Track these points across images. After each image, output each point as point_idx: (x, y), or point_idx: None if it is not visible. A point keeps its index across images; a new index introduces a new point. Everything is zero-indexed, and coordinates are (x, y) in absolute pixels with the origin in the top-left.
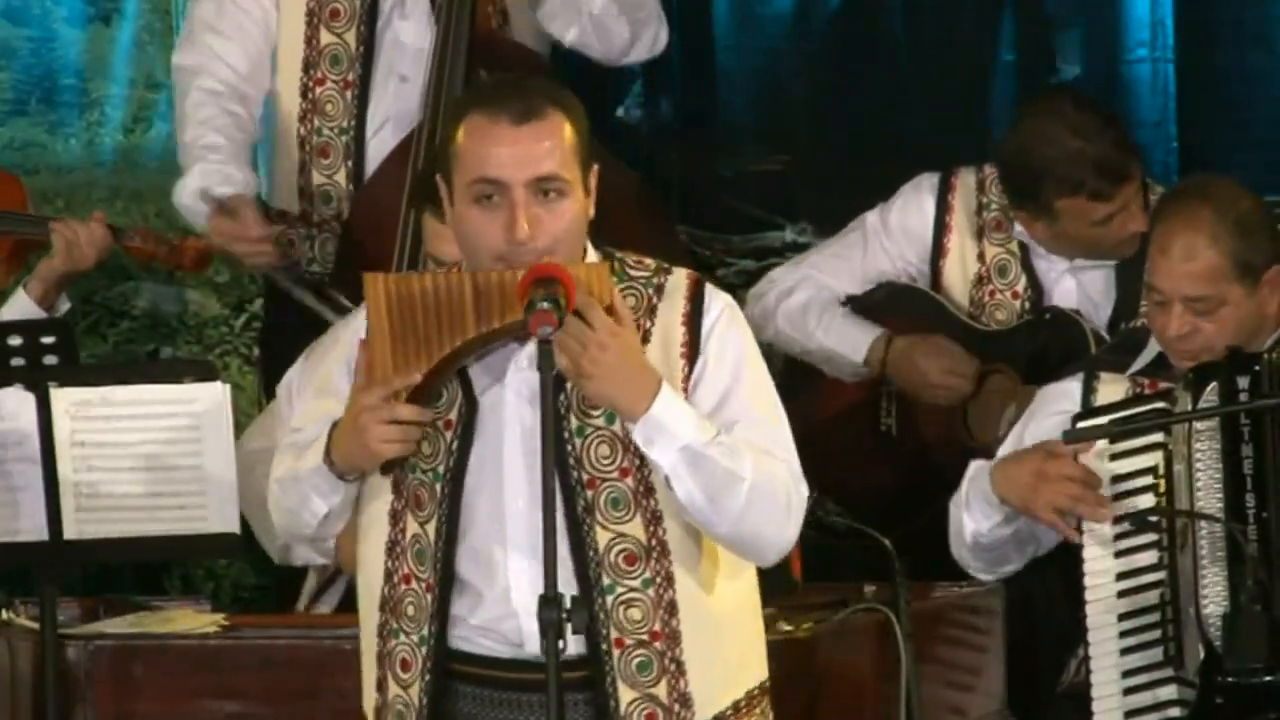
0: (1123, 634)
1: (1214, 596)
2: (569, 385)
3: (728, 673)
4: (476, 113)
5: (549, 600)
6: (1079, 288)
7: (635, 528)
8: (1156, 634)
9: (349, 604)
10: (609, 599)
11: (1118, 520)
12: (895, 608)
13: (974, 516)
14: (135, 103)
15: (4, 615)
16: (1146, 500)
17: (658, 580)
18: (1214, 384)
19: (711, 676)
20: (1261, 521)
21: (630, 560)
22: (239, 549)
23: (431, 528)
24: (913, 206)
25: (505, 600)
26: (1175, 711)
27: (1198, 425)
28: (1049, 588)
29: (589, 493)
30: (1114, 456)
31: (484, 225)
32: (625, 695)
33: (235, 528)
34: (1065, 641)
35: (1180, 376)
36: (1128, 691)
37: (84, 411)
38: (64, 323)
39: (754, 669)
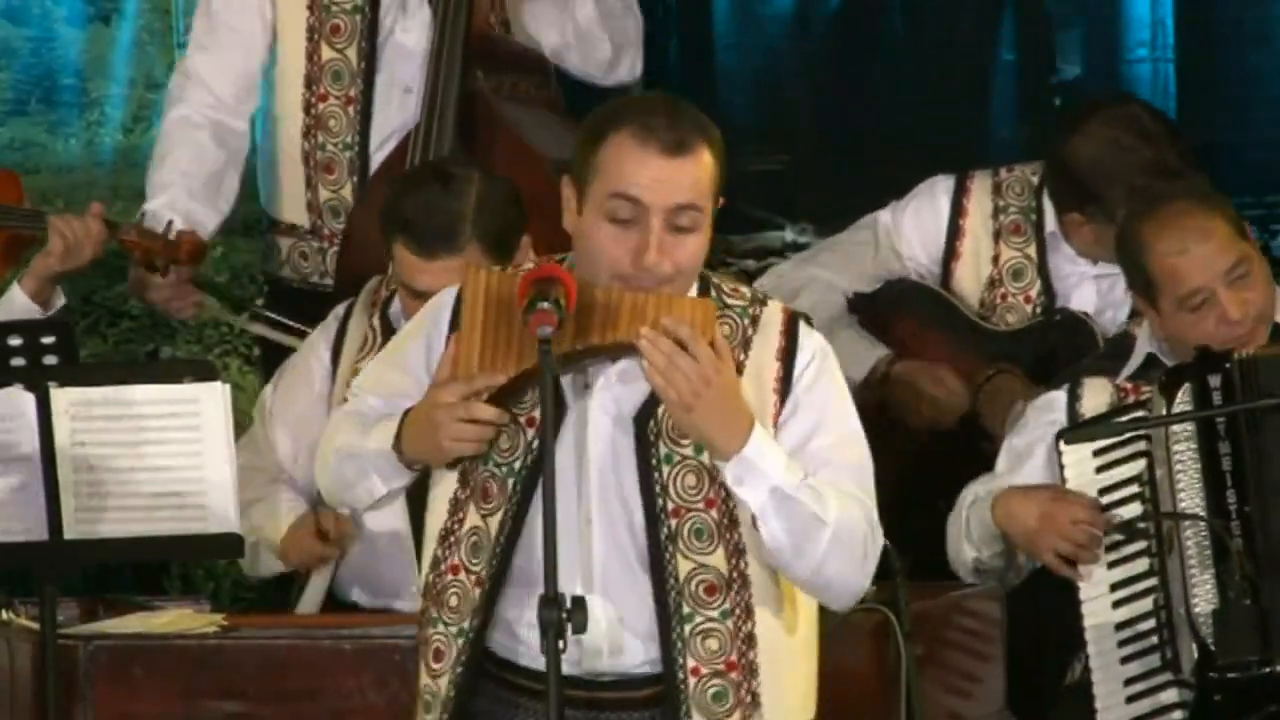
0: (1121, 643)
1: (1204, 595)
2: (660, 410)
3: (794, 708)
4: (628, 130)
5: (549, 600)
6: (1099, 294)
7: (718, 559)
8: (1154, 640)
9: (343, 607)
10: (687, 628)
11: (1107, 531)
12: (895, 608)
13: (975, 545)
14: (135, 103)
15: (4, 615)
16: (1133, 509)
17: (736, 612)
18: (1186, 385)
19: (781, 710)
20: (1244, 516)
21: (711, 591)
22: (239, 549)
23: (495, 521)
24: (927, 208)
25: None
26: (1178, 715)
27: (1174, 428)
28: (1050, 588)
29: (673, 521)
30: (1100, 468)
31: (613, 243)
32: None
33: (235, 528)
34: (1065, 642)
35: (1156, 379)
36: (1130, 699)
37: (84, 411)
38: (64, 323)
39: (810, 705)
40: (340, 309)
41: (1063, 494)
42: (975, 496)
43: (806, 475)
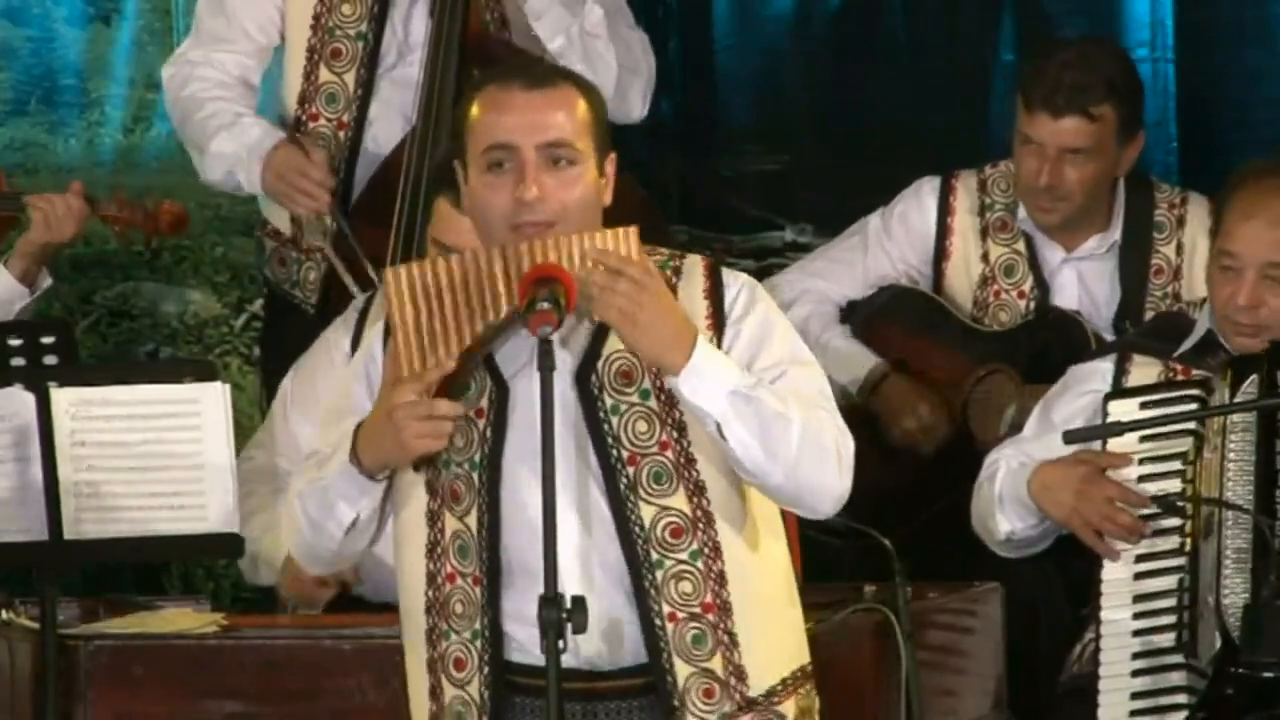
0: (1136, 615)
1: (1235, 588)
2: (600, 364)
3: (776, 648)
4: (490, 85)
5: (549, 600)
6: (1079, 280)
7: (679, 500)
8: (1171, 619)
9: (342, 607)
10: (659, 574)
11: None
12: (895, 608)
13: (1009, 518)
14: (135, 103)
15: (4, 615)
16: (1173, 484)
17: (705, 551)
18: (1254, 376)
19: (763, 649)
20: None
21: (676, 533)
22: (239, 549)
23: (473, 519)
24: (914, 210)
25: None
26: (1181, 698)
27: (1233, 416)
28: (1049, 587)
29: (630, 469)
30: (1145, 438)
31: (493, 193)
32: (682, 671)
33: (235, 528)
34: (1065, 641)
35: (1219, 366)
36: (1136, 673)
37: (84, 411)
38: (64, 323)
39: (799, 649)
40: (361, 300)
41: (1098, 470)
42: (1007, 467)
43: (761, 380)
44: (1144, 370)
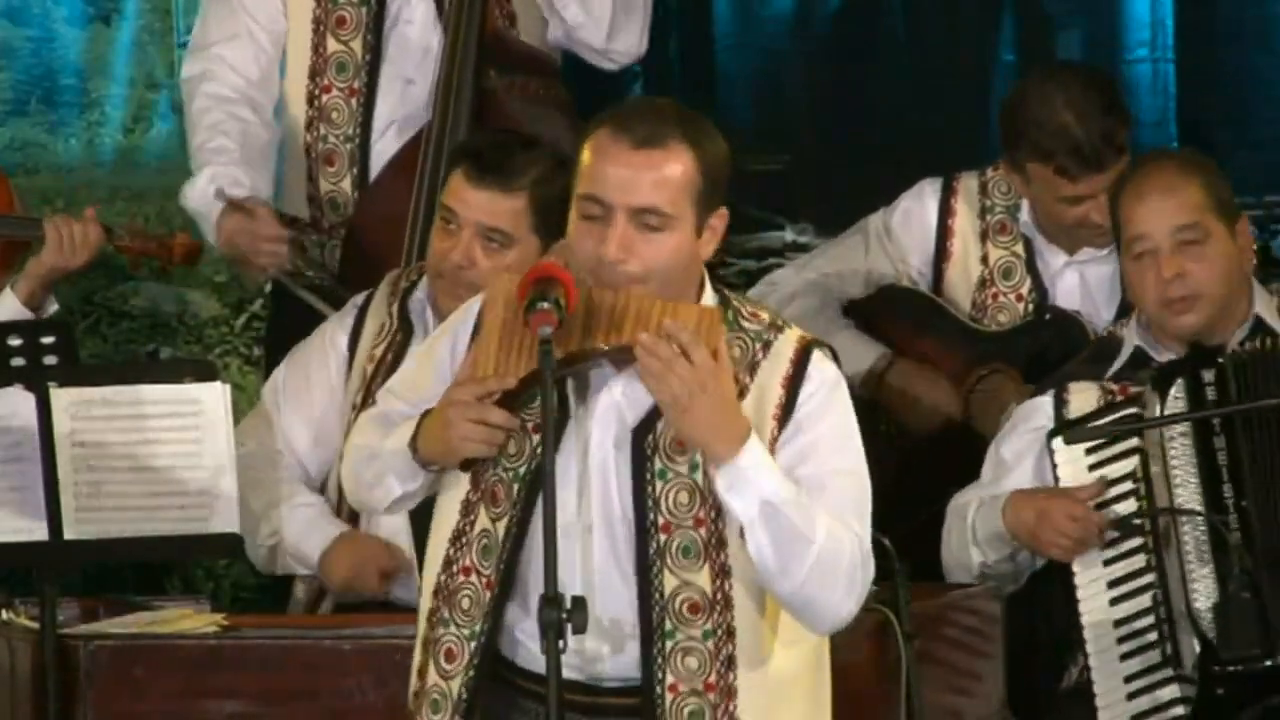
0: (1120, 640)
1: (1203, 590)
2: (659, 426)
3: None
4: (605, 129)
5: (549, 600)
6: (1081, 282)
7: (703, 578)
8: (1153, 636)
9: (341, 607)
10: (668, 644)
11: (1102, 530)
12: (895, 608)
13: (981, 549)
14: (135, 103)
15: (4, 615)
16: (1128, 505)
17: (718, 633)
18: (1180, 380)
19: None
20: (1241, 510)
21: (694, 609)
22: (239, 549)
23: (502, 526)
24: (915, 211)
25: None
26: (1179, 710)
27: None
28: (1048, 588)
29: (662, 536)
30: (1093, 466)
31: (584, 239)
32: None
33: (235, 528)
34: (1065, 642)
35: (1149, 377)
36: (1131, 696)
37: (84, 411)
38: (64, 323)
39: None
40: (359, 298)
41: (1060, 491)
42: (976, 503)
43: (800, 494)
44: (1082, 397)
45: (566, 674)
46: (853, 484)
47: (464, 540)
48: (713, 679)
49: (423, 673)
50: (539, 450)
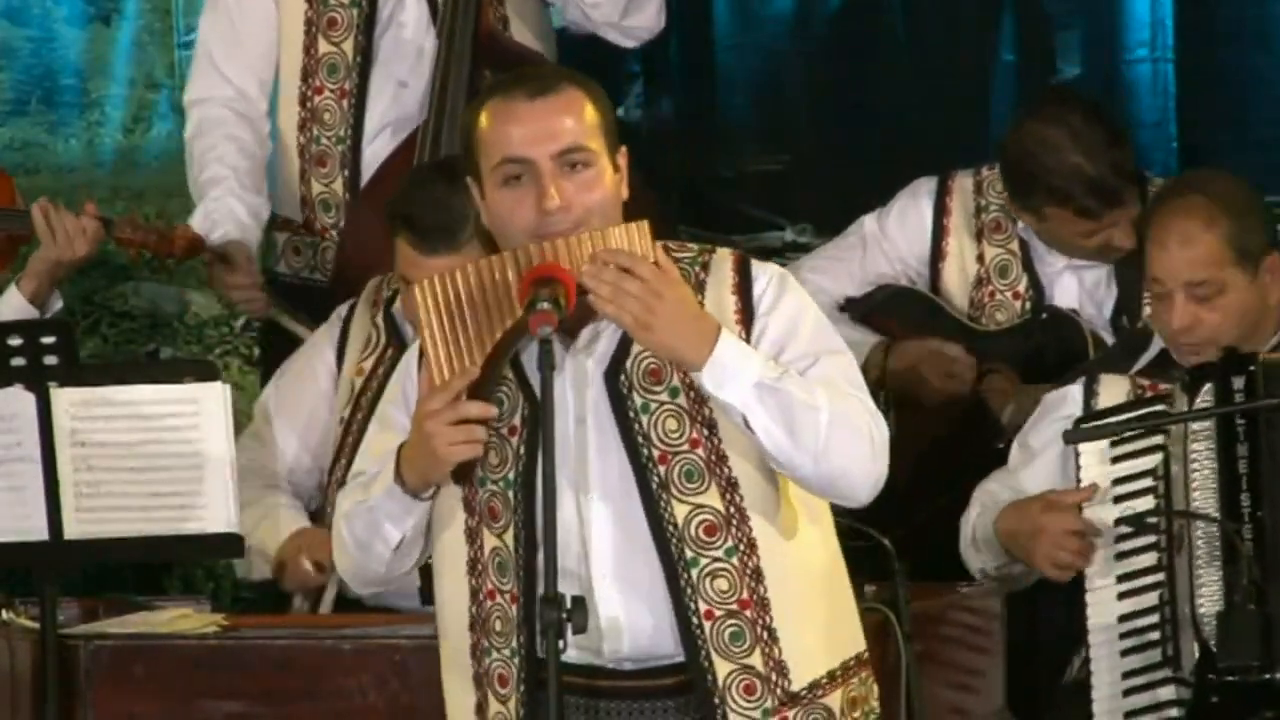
0: (1122, 635)
1: (1209, 596)
2: (629, 363)
3: (821, 640)
4: (493, 99)
5: (549, 600)
6: (1080, 285)
7: (712, 497)
8: (1155, 635)
9: (341, 606)
10: (694, 572)
11: (1117, 523)
12: (895, 608)
13: (981, 556)
14: (135, 103)
15: (4, 615)
16: (1146, 502)
17: (740, 548)
18: (1209, 385)
19: (805, 643)
20: (1256, 521)
21: (710, 531)
22: (239, 549)
23: (510, 537)
24: (910, 211)
25: (589, 597)
26: (1174, 712)
27: (1194, 426)
28: (1049, 588)
29: (661, 468)
30: (1115, 460)
31: (514, 205)
32: (721, 669)
33: (236, 528)
34: (1065, 641)
35: (1179, 378)
36: (1127, 692)
37: (84, 411)
38: (64, 323)
39: (849, 638)
40: (343, 308)
41: (1053, 504)
42: (981, 506)
43: (788, 370)
44: (1113, 389)
45: (589, 660)
46: (836, 359)
47: (479, 566)
48: (745, 595)
49: (481, 708)
50: (521, 451)
